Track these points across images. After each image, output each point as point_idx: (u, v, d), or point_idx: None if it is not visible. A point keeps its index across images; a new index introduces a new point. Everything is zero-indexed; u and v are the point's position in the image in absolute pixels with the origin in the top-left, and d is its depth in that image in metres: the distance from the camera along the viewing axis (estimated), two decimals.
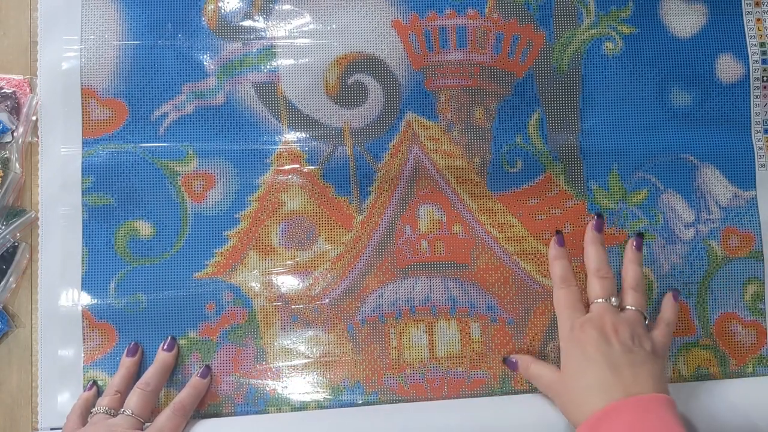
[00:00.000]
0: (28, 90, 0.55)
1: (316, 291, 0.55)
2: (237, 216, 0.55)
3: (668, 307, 0.53)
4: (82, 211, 0.54)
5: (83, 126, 0.55)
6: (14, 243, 0.54)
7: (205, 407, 0.53)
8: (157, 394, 0.52)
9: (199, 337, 0.54)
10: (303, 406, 0.54)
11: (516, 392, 0.54)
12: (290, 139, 0.55)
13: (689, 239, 0.56)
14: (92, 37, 0.55)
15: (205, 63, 0.55)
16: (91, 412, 0.50)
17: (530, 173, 0.56)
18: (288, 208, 0.55)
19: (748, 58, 0.57)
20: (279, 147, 0.55)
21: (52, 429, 0.53)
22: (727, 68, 0.57)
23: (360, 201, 0.55)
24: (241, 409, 0.53)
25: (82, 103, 0.55)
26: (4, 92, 0.54)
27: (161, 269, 0.54)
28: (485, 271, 0.55)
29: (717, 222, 0.56)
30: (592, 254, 0.53)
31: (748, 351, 0.56)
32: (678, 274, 0.56)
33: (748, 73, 0.57)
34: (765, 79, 0.57)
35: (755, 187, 0.57)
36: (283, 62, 0.55)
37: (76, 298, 0.54)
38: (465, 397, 0.54)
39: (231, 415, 0.53)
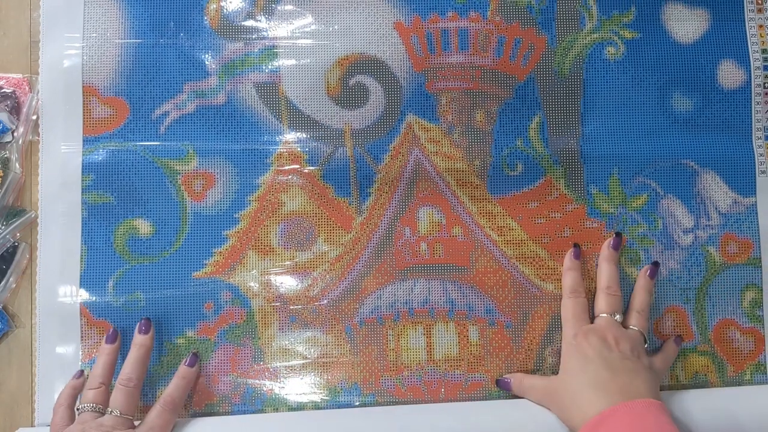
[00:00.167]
0: (27, 89, 0.55)
1: (315, 292, 0.55)
2: (236, 216, 0.55)
3: (670, 347, 0.54)
4: (82, 209, 0.54)
5: (84, 124, 0.55)
6: (14, 243, 0.54)
7: (202, 406, 0.53)
8: (140, 387, 0.51)
9: (197, 336, 0.54)
10: (300, 407, 0.54)
11: (513, 396, 0.54)
12: (291, 140, 0.55)
13: (688, 245, 0.56)
14: (94, 35, 0.55)
15: (206, 62, 0.55)
16: (77, 408, 0.50)
17: (530, 177, 0.56)
18: (288, 208, 0.55)
19: (749, 65, 0.57)
20: (279, 147, 0.55)
21: (49, 425, 0.52)
22: (728, 74, 0.57)
23: (360, 202, 0.55)
24: (238, 408, 0.53)
25: (83, 101, 0.55)
26: (4, 92, 0.54)
27: (160, 268, 0.54)
28: (484, 274, 0.55)
29: (716, 228, 0.56)
30: (605, 271, 0.54)
31: (746, 358, 0.56)
32: (676, 280, 0.56)
33: (750, 79, 0.57)
34: (766, 85, 0.57)
35: (755, 194, 0.57)
36: (285, 62, 0.55)
37: (75, 296, 0.54)
38: (462, 400, 0.54)
39: (228, 415, 0.53)
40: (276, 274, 0.55)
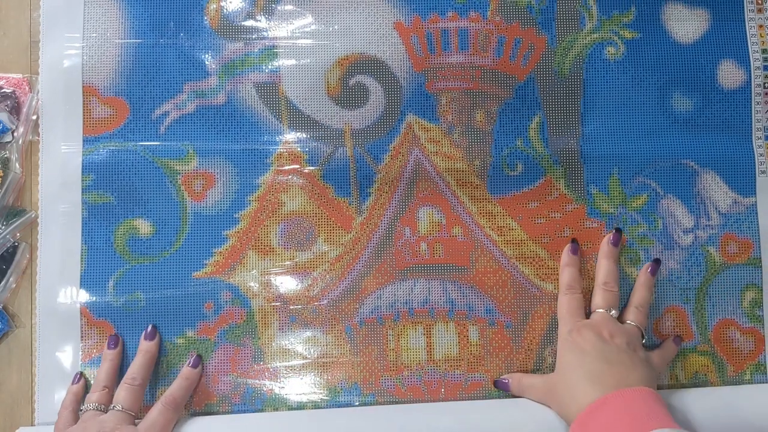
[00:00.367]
0: (27, 89, 0.55)
1: (315, 292, 0.55)
2: (236, 216, 0.55)
3: (669, 346, 0.54)
4: (82, 209, 0.54)
5: (84, 124, 0.55)
6: (14, 243, 0.54)
7: (202, 406, 0.53)
8: (144, 387, 0.52)
9: (197, 336, 0.54)
10: (300, 407, 0.54)
11: (513, 396, 0.54)
12: (291, 140, 0.55)
13: (688, 245, 0.56)
14: (94, 35, 0.55)
15: (206, 62, 0.55)
16: (81, 409, 0.50)
17: (530, 177, 0.56)
18: (288, 208, 0.55)
19: (749, 65, 0.57)
20: (279, 147, 0.55)
21: (49, 424, 0.53)
22: (728, 74, 0.57)
23: (360, 202, 0.55)
24: (238, 408, 0.53)
25: (83, 101, 0.55)
26: (4, 92, 0.54)
27: (160, 268, 0.54)
28: (484, 274, 0.55)
29: (716, 228, 0.56)
30: (603, 267, 0.54)
31: (746, 358, 0.56)
32: (676, 280, 0.56)
33: (750, 79, 0.57)
34: (766, 85, 0.57)
35: (755, 194, 0.57)
36: (285, 62, 0.55)
37: (75, 296, 0.54)
38: (462, 400, 0.54)
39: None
40: (276, 274, 0.55)
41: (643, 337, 0.52)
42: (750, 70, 0.57)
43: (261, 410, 0.54)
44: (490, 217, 0.56)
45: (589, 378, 0.47)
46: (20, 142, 0.54)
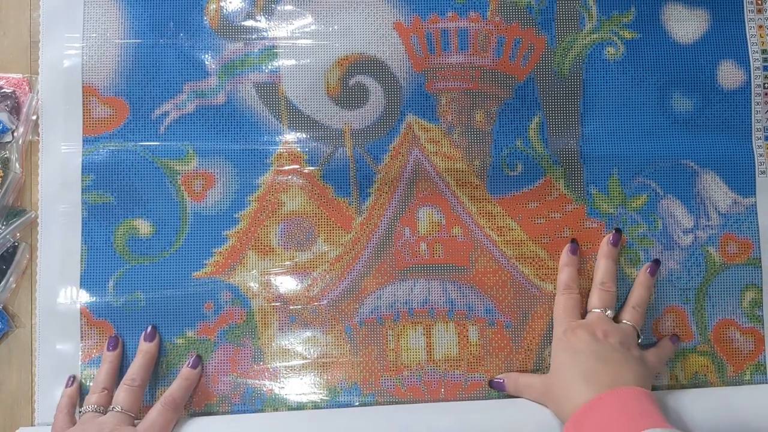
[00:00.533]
0: (27, 89, 0.55)
1: (315, 292, 0.55)
2: (236, 216, 0.55)
3: (666, 345, 0.54)
4: (82, 209, 0.54)
5: (84, 124, 0.55)
6: (14, 243, 0.54)
7: (201, 407, 0.53)
8: (144, 388, 0.52)
9: (197, 336, 0.54)
10: (300, 407, 0.54)
11: (513, 396, 0.54)
12: (290, 140, 0.55)
13: (687, 245, 0.56)
14: (94, 35, 0.55)
15: (206, 62, 0.55)
16: (80, 411, 0.50)
17: (530, 177, 0.56)
18: (287, 208, 0.55)
19: (749, 65, 0.57)
20: (279, 147, 0.55)
21: (49, 425, 0.52)
22: (728, 75, 0.57)
23: (359, 202, 0.55)
24: (238, 408, 0.53)
25: (83, 101, 0.55)
26: (4, 92, 0.54)
27: (160, 268, 0.54)
28: (484, 275, 0.55)
29: (716, 228, 0.56)
30: (602, 267, 0.54)
31: (745, 358, 0.56)
32: (676, 280, 0.56)
33: (750, 80, 0.57)
34: (766, 86, 0.57)
35: (755, 194, 0.57)
36: (285, 63, 0.55)
37: (75, 296, 0.54)
38: (462, 400, 0.54)
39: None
40: (276, 274, 0.55)
41: (638, 337, 0.52)
42: (750, 71, 0.57)
43: (261, 410, 0.54)
44: (489, 218, 0.56)
45: (584, 377, 0.47)
46: (20, 142, 0.54)
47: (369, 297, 0.55)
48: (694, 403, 0.52)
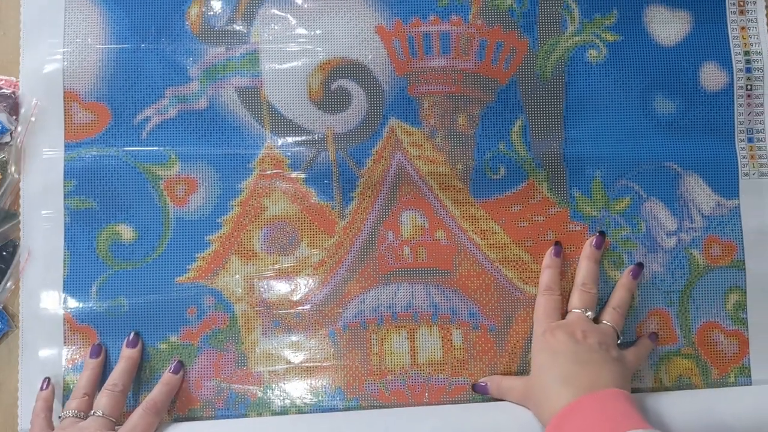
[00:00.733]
0: None
1: (298, 296, 0.55)
2: (219, 220, 0.55)
3: (644, 343, 0.54)
4: (64, 215, 0.54)
5: (65, 129, 0.55)
6: (14, 243, 0.54)
7: (185, 411, 0.53)
8: (126, 393, 0.51)
9: (180, 341, 0.54)
10: (284, 411, 0.54)
11: (497, 399, 0.54)
12: (273, 144, 0.55)
13: (671, 248, 0.56)
14: (78, 40, 0.55)
15: (188, 67, 0.55)
16: (60, 416, 0.50)
17: (513, 180, 0.56)
18: (270, 213, 0.55)
19: (732, 67, 0.57)
20: (262, 152, 0.55)
21: None
22: (711, 76, 0.57)
23: (342, 206, 0.55)
24: (222, 413, 0.53)
25: (65, 107, 0.55)
26: (3, 92, 0.54)
27: (143, 273, 0.54)
28: (467, 278, 0.55)
29: (699, 231, 0.56)
30: (583, 268, 0.54)
31: (730, 361, 0.56)
32: (659, 283, 0.56)
33: (732, 81, 0.57)
34: (749, 87, 0.57)
35: (738, 196, 0.56)
36: (267, 67, 0.55)
37: (58, 302, 0.54)
38: (446, 404, 0.54)
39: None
40: (259, 278, 0.55)
41: (618, 338, 0.52)
42: (732, 72, 0.57)
43: (245, 415, 0.53)
44: (473, 221, 0.56)
45: (562, 379, 0.47)
46: (18, 142, 0.54)
47: (353, 301, 0.55)
48: (675, 405, 0.52)
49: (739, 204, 0.56)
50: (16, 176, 0.54)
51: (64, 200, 0.54)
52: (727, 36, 0.58)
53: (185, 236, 0.55)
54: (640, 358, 0.53)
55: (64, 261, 0.54)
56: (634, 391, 0.53)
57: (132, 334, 0.53)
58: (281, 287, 0.55)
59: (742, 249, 0.56)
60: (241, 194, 0.55)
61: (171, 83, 0.55)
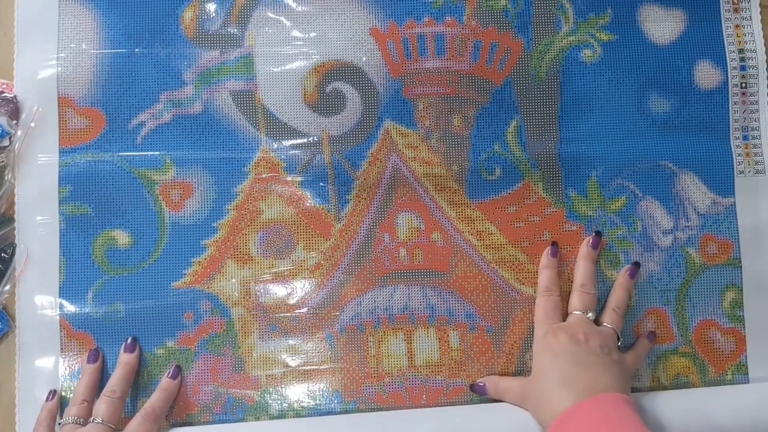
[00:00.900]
0: None
1: (295, 300, 0.55)
2: (215, 225, 0.55)
3: (642, 344, 0.54)
4: (59, 221, 0.54)
5: (60, 135, 0.54)
6: (13, 245, 0.54)
7: (183, 417, 0.53)
8: (124, 399, 0.51)
9: (177, 346, 0.54)
10: (281, 415, 0.54)
11: (494, 400, 0.54)
12: (268, 148, 0.55)
13: (667, 246, 0.56)
14: (71, 45, 0.55)
15: (182, 71, 0.55)
16: (59, 423, 0.50)
17: (508, 181, 0.56)
18: (266, 216, 0.55)
19: (726, 65, 0.57)
20: (257, 155, 0.55)
21: None
22: (705, 75, 0.57)
23: (338, 209, 0.55)
24: (220, 418, 0.53)
25: (59, 112, 0.55)
26: (5, 96, 0.54)
27: (139, 278, 0.54)
28: (464, 279, 0.55)
29: (695, 229, 0.56)
30: (581, 269, 0.54)
31: (727, 358, 0.56)
32: (656, 282, 0.56)
33: (727, 79, 0.57)
34: (743, 85, 0.57)
35: (734, 194, 0.57)
36: (261, 70, 0.55)
37: (54, 308, 0.54)
38: (444, 405, 0.54)
39: (209, 425, 0.53)
40: (255, 282, 0.55)
41: (618, 340, 0.52)
42: (727, 70, 0.57)
43: (242, 420, 0.53)
44: (469, 222, 0.56)
45: (562, 382, 0.47)
46: (17, 147, 0.54)
47: (349, 304, 0.55)
48: (672, 405, 0.52)
49: (734, 202, 0.56)
50: (12, 182, 0.54)
51: (59, 206, 0.54)
52: (722, 34, 0.58)
53: (181, 241, 0.55)
54: (639, 360, 0.53)
55: (60, 267, 0.54)
56: (632, 390, 0.53)
57: (129, 339, 0.53)
58: (278, 291, 0.55)
59: (738, 247, 0.56)
60: (237, 198, 0.55)
61: (165, 87, 0.55)
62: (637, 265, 0.55)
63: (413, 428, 0.51)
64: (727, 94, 0.57)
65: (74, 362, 0.53)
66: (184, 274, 0.54)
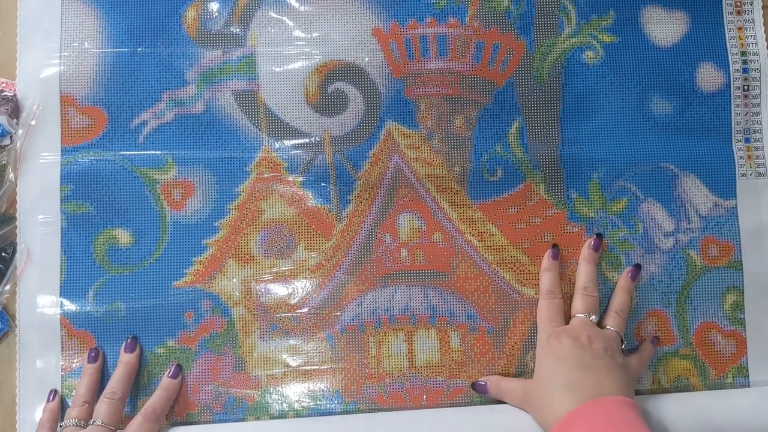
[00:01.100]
0: None
1: (296, 300, 0.55)
2: (216, 224, 0.55)
3: (646, 348, 0.54)
4: (61, 219, 0.54)
5: (62, 134, 0.54)
6: (14, 244, 0.54)
7: (183, 416, 0.53)
8: (124, 400, 0.51)
9: (178, 345, 0.54)
10: (282, 415, 0.54)
11: (494, 401, 0.54)
12: (270, 148, 0.55)
13: (668, 249, 0.56)
14: (72, 44, 0.55)
15: (184, 70, 0.55)
16: (60, 425, 0.50)
17: (510, 182, 0.56)
18: (267, 216, 0.55)
19: (729, 67, 0.57)
20: (259, 155, 0.55)
21: None
22: (708, 77, 0.57)
23: (340, 209, 0.55)
24: (220, 418, 0.53)
25: (62, 111, 0.55)
26: (5, 95, 0.54)
27: (140, 277, 0.54)
28: (465, 280, 0.55)
29: (696, 231, 0.56)
30: (583, 271, 0.54)
31: (727, 361, 0.56)
32: (657, 284, 0.56)
33: (729, 82, 0.57)
34: (746, 88, 0.57)
35: (735, 197, 0.56)
36: (264, 70, 0.55)
37: (55, 306, 0.54)
38: (444, 407, 0.54)
39: (209, 424, 0.53)
40: (257, 282, 0.55)
41: (622, 343, 0.52)
42: (729, 73, 0.57)
43: (243, 419, 0.53)
44: (470, 223, 0.56)
45: (566, 386, 0.47)
46: (18, 146, 0.54)
47: (350, 304, 0.55)
48: (676, 409, 0.52)
49: (736, 204, 0.56)
50: (14, 180, 0.54)
51: (61, 205, 0.54)
52: (724, 36, 0.58)
53: (182, 240, 0.55)
54: (643, 364, 0.53)
55: (61, 266, 0.54)
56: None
57: (130, 339, 0.53)
58: (279, 290, 0.55)
59: (740, 249, 0.56)
60: (238, 198, 0.55)
61: (168, 87, 0.55)
62: (638, 267, 0.55)
63: (413, 429, 0.51)
64: (729, 96, 0.57)
65: (75, 361, 0.53)
66: (185, 273, 0.54)
